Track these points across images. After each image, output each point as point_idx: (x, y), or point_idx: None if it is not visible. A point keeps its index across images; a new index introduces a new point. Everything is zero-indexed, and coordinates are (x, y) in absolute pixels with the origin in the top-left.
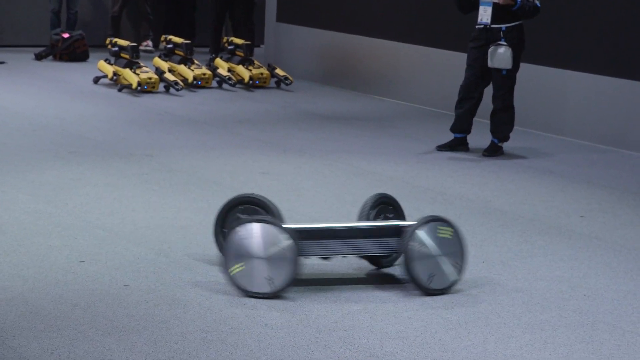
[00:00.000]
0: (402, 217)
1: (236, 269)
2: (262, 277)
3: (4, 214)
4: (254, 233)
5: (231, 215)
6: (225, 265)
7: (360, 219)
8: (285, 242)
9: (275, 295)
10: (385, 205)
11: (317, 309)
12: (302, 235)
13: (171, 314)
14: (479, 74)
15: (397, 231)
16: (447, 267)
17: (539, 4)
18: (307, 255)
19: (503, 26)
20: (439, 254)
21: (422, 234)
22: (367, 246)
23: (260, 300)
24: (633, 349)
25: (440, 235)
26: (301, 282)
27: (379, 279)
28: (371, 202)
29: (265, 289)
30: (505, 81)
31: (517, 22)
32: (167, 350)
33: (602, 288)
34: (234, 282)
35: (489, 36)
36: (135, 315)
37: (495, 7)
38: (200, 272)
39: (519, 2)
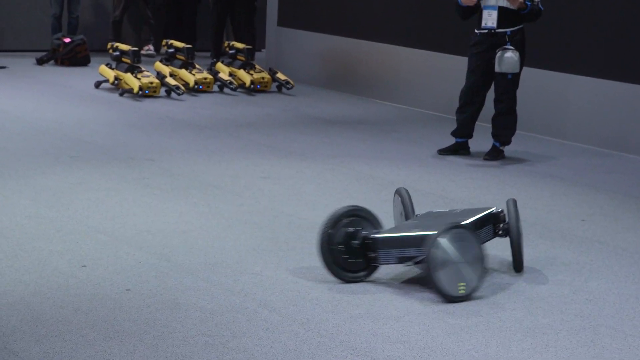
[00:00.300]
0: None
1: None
2: (455, 283)
3: (5, 219)
4: (455, 239)
5: (339, 231)
6: (431, 272)
7: (408, 216)
8: (477, 244)
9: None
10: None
11: (318, 314)
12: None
13: (173, 318)
14: (481, 80)
15: (495, 217)
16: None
17: (542, 7)
18: None
19: (508, 30)
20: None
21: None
22: (484, 235)
23: (262, 304)
24: (635, 353)
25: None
26: (302, 287)
27: (379, 283)
28: (408, 196)
29: (456, 293)
30: (510, 85)
31: (520, 26)
32: (169, 354)
33: (604, 292)
34: (438, 287)
35: (493, 41)
36: (136, 319)
37: (501, 11)
38: (201, 276)
39: (529, 5)
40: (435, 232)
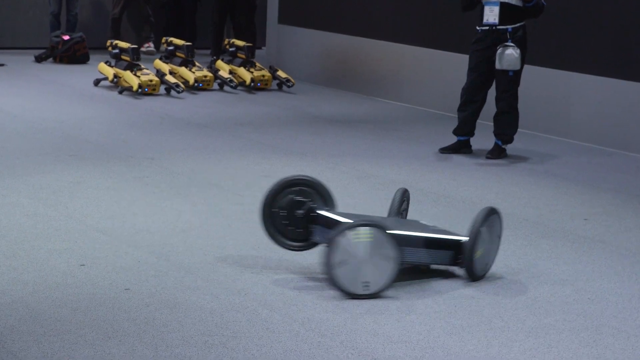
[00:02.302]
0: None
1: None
2: (357, 280)
3: (4, 218)
4: (362, 235)
5: (284, 197)
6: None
7: (390, 214)
8: (389, 245)
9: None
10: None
11: (319, 313)
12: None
13: (172, 318)
14: (482, 77)
15: (458, 246)
16: None
17: (544, 3)
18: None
19: (509, 27)
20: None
21: None
22: (433, 256)
23: (263, 303)
24: (638, 353)
25: None
26: (303, 286)
27: None
28: (402, 197)
29: (358, 291)
30: (511, 83)
31: (521, 23)
32: (168, 354)
33: (607, 291)
34: (335, 280)
35: (494, 37)
36: (136, 319)
37: (503, 7)
38: (201, 275)
39: None
40: (350, 222)
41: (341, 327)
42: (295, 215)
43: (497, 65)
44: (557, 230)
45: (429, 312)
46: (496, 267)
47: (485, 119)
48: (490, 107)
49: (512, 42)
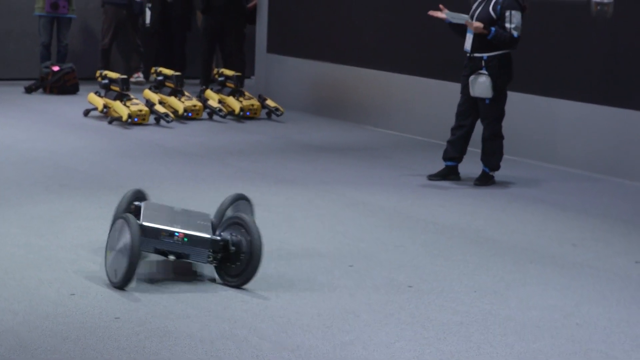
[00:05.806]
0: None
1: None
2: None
3: None
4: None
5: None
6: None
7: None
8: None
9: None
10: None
11: (309, 340)
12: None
13: (162, 346)
14: (468, 103)
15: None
16: None
17: (516, 35)
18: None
19: (484, 55)
20: None
21: None
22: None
23: (253, 331)
24: None
25: None
26: (292, 314)
27: (369, 310)
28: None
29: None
30: (490, 110)
31: (499, 52)
32: None
33: (595, 317)
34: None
35: (472, 65)
36: (126, 347)
37: (475, 34)
38: (191, 304)
39: (492, 31)
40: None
41: (330, 353)
42: None
43: (470, 92)
44: (545, 256)
45: (417, 338)
46: (484, 293)
47: (474, 145)
48: (478, 133)
49: (486, 70)
